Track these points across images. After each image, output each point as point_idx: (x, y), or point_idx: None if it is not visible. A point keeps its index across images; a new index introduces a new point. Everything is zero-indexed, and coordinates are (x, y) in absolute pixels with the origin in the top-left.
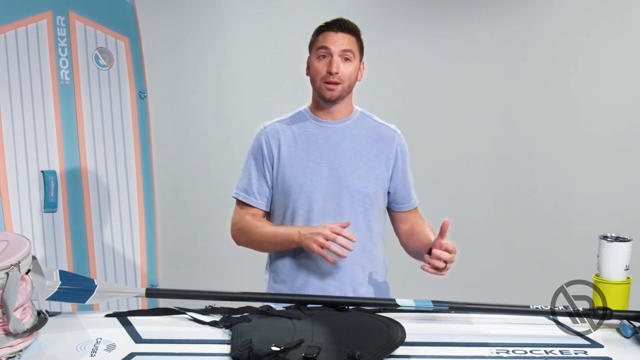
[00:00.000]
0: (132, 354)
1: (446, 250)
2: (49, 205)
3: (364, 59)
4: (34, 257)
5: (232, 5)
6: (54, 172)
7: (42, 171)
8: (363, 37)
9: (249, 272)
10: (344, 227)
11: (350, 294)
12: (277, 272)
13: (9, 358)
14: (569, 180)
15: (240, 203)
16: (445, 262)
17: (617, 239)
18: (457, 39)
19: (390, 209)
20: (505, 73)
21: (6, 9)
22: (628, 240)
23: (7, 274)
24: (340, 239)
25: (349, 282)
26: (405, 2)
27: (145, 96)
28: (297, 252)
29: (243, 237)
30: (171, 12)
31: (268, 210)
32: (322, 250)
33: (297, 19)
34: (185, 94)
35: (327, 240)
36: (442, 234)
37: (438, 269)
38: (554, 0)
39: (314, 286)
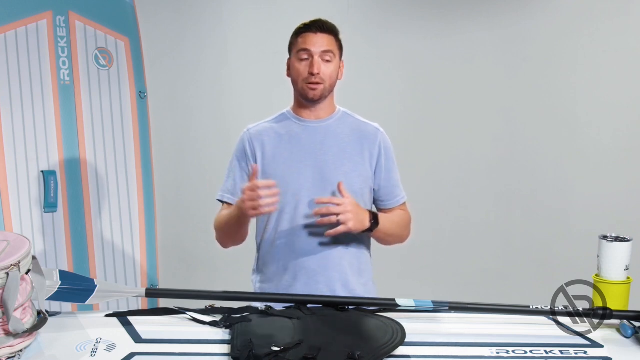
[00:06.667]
0: (132, 354)
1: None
2: (49, 205)
3: (343, 57)
4: (34, 257)
5: (232, 5)
6: (54, 172)
7: (42, 171)
8: (341, 36)
9: (249, 272)
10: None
11: (339, 292)
12: (263, 271)
13: (9, 358)
14: (569, 180)
15: (225, 205)
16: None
17: (617, 239)
18: (457, 39)
19: (375, 207)
20: (505, 73)
21: (6, 9)
22: (628, 240)
23: (7, 274)
24: (262, 194)
25: (338, 279)
26: (405, 2)
27: (145, 96)
28: (284, 251)
29: (218, 233)
30: (171, 12)
31: None
32: (258, 212)
33: (298, 18)
34: (185, 94)
35: (254, 200)
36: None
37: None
38: (554, 0)
39: (302, 284)
